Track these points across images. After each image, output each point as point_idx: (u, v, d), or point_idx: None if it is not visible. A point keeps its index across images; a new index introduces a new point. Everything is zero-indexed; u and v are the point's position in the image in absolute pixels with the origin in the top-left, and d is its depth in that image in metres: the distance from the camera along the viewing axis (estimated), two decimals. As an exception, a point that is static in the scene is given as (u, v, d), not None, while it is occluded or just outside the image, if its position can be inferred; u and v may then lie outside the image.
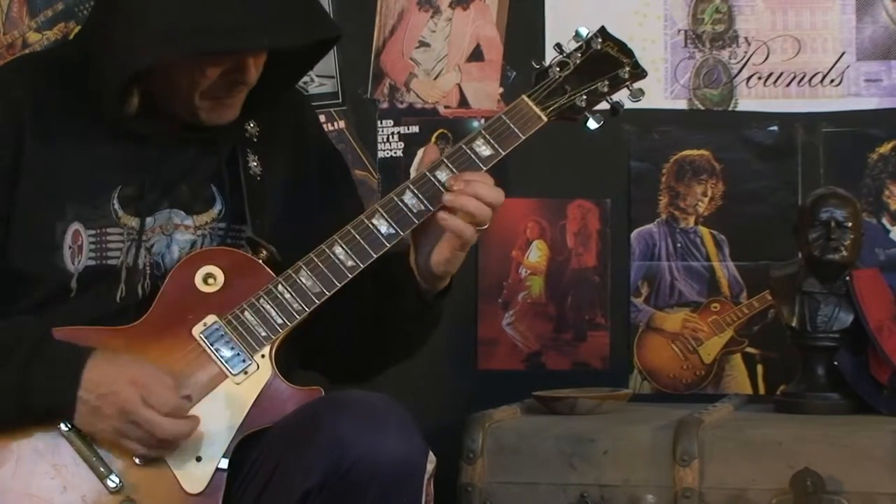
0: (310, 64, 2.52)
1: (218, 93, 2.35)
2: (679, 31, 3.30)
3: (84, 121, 2.37)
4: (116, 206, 2.37)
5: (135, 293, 2.36)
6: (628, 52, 2.47)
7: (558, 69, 2.42)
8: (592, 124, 2.44)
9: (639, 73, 2.47)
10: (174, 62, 2.30)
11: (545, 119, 2.40)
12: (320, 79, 3.38)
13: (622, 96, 2.47)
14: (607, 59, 2.45)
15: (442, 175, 2.35)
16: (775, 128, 3.29)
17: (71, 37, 3.20)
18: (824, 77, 3.26)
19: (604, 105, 2.45)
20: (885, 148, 3.24)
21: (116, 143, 2.38)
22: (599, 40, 2.45)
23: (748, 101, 3.29)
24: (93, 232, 2.35)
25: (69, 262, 2.34)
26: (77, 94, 2.38)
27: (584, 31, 2.45)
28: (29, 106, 2.36)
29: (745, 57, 3.28)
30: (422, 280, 2.38)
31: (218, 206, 2.43)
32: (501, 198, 2.32)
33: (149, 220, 2.38)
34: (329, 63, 3.36)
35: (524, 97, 2.41)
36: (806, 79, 3.26)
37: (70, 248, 2.34)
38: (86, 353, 2.23)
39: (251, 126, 2.48)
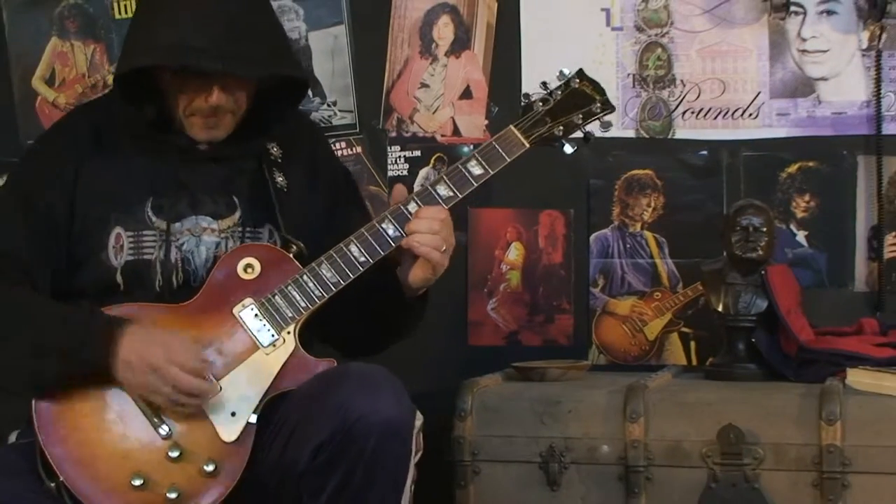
0: (296, 101, 2.52)
1: (202, 113, 2.34)
2: (628, 74, 3.26)
3: (127, 146, 2.40)
4: (150, 213, 2.38)
5: (170, 283, 2.36)
6: (600, 91, 2.46)
7: (541, 104, 2.42)
8: (568, 149, 2.43)
9: (608, 108, 2.45)
10: (163, 78, 2.34)
11: (528, 145, 2.39)
12: (342, 113, 3.35)
13: (593, 126, 2.44)
14: (583, 96, 2.44)
15: (441, 189, 2.35)
16: (705, 152, 3.25)
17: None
18: (744, 111, 3.21)
19: (577, 133, 2.42)
20: (792, 168, 3.19)
21: (151, 164, 2.39)
22: (577, 80, 2.44)
23: (683, 130, 3.25)
24: (131, 233, 2.36)
25: (113, 258, 2.35)
26: (120, 125, 2.40)
27: (566, 71, 2.45)
28: (88, 138, 2.40)
29: (681, 95, 3.24)
30: (405, 288, 2.37)
31: (238, 213, 2.40)
32: (439, 225, 2.31)
33: (176, 224, 2.38)
34: (349, 100, 3.34)
35: (512, 127, 2.40)
36: (730, 113, 3.22)
37: (114, 247, 2.35)
38: (126, 323, 2.23)
39: (275, 149, 2.47)
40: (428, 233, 2.29)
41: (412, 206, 2.32)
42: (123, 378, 2.21)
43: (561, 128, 2.40)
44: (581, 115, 2.41)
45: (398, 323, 2.46)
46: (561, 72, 2.43)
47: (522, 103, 2.43)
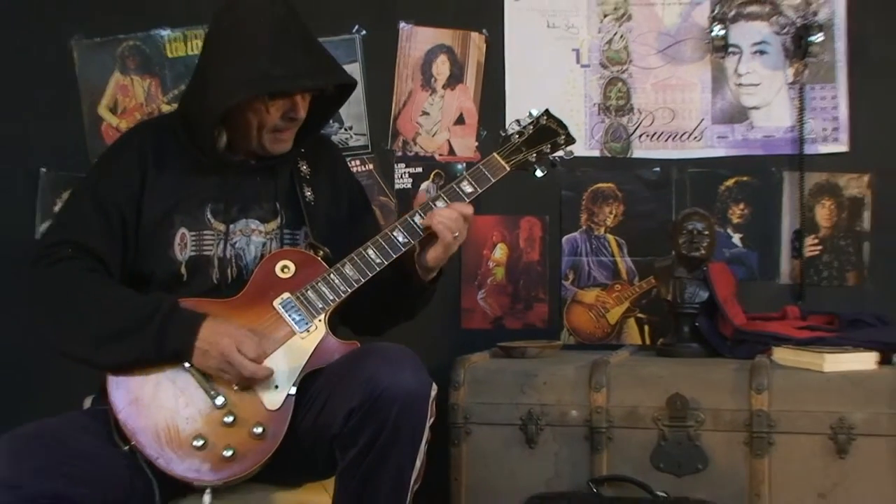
0: (333, 109, 2.51)
1: (278, 127, 2.35)
2: (594, 104, 3.28)
3: (186, 160, 2.39)
4: (209, 216, 2.39)
5: (225, 276, 2.37)
6: (564, 126, 2.49)
7: (517, 136, 2.45)
8: (539, 173, 2.47)
9: (570, 140, 2.49)
10: (250, 103, 2.31)
11: (508, 169, 2.42)
12: (357, 136, 3.34)
13: (559, 155, 2.48)
14: (550, 131, 2.47)
15: (440, 204, 2.38)
16: (658, 169, 3.26)
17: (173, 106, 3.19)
18: (690, 135, 3.24)
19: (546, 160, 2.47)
20: (729, 182, 3.23)
21: (208, 174, 2.39)
22: (545, 118, 2.47)
23: (640, 150, 3.27)
24: (194, 233, 2.37)
25: (178, 254, 2.36)
26: (181, 142, 2.39)
27: (535, 112, 2.47)
28: (151, 150, 2.38)
29: (638, 121, 3.26)
30: (420, 271, 2.38)
31: (279, 218, 2.42)
32: (462, 217, 2.33)
33: (231, 226, 2.38)
34: (363, 125, 3.33)
35: (495, 154, 2.43)
36: (678, 136, 3.25)
37: (178, 245, 2.36)
38: (201, 317, 2.24)
39: (304, 167, 2.48)
40: (448, 218, 2.31)
41: (417, 218, 2.34)
42: (198, 362, 2.22)
43: (534, 155, 2.44)
44: (549, 146, 2.45)
45: (410, 304, 2.46)
46: (530, 112, 2.46)
47: (501, 136, 2.45)
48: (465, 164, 3.27)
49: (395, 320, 2.52)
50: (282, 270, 2.34)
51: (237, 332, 2.23)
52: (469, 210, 2.35)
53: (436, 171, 3.34)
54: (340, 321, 2.47)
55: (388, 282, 2.38)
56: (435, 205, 2.36)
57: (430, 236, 2.35)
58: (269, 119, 2.34)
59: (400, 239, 2.35)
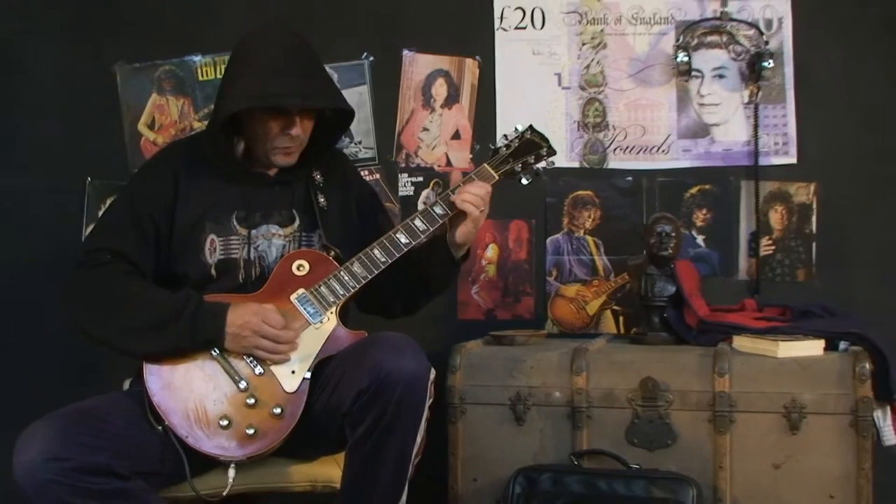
0: (338, 134, 2.51)
1: (282, 144, 2.35)
2: (574, 121, 3.24)
3: (214, 173, 2.39)
4: (235, 223, 2.38)
5: (250, 276, 2.37)
6: (546, 140, 2.50)
7: (505, 149, 2.46)
8: (525, 181, 2.48)
9: (552, 152, 2.50)
10: (256, 116, 2.31)
11: (497, 177, 2.43)
12: (365, 149, 3.32)
13: (541, 165, 2.49)
14: (534, 144, 2.48)
15: (437, 209, 2.38)
16: (630, 178, 3.22)
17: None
18: (658, 148, 3.21)
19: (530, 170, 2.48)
20: (693, 190, 3.20)
21: (233, 185, 2.40)
22: (529, 132, 2.48)
23: (615, 162, 3.23)
24: (221, 238, 2.37)
25: (208, 257, 2.36)
26: (209, 157, 2.39)
27: (520, 127, 2.49)
28: (183, 166, 2.39)
29: (613, 136, 3.23)
30: (452, 248, 2.38)
31: (297, 223, 2.42)
32: (484, 193, 2.34)
33: (254, 231, 2.38)
34: (370, 140, 3.31)
35: (485, 164, 2.44)
36: (648, 150, 3.22)
37: (208, 249, 2.37)
38: (227, 306, 2.25)
39: (318, 177, 2.47)
40: (476, 195, 2.33)
41: (417, 222, 2.35)
42: (231, 346, 2.22)
43: (519, 165, 2.45)
44: (533, 157, 2.46)
45: (443, 278, 2.47)
46: (516, 128, 2.48)
47: (490, 149, 2.48)
48: (461, 175, 3.26)
49: (423, 297, 2.52)
50: (297, 269, 2.34)
51: (260, 308, 2.24)
52: (489, 189, 2.36)
53: (435, 180, 3.32)
54: (367, 307, 2.49)
55: (422, 261, 2.39)
56: (434, 210, 2.37)
57: (456, 217, 2.36)
58: (270, 132, 2.34)
59: (402, 240, 2.36)
